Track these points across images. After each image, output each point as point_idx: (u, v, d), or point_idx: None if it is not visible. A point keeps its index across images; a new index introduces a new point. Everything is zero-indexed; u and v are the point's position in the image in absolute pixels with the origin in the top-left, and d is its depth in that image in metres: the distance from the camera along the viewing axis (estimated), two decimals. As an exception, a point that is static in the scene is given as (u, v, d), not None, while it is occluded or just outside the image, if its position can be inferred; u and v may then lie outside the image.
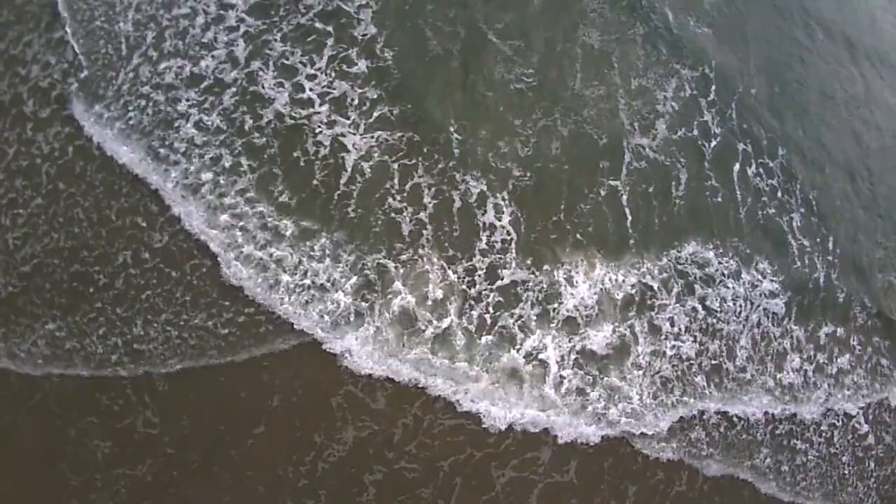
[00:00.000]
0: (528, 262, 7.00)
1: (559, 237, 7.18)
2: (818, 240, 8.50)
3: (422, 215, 6.88)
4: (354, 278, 6.56)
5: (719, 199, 8.11)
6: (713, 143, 8.38)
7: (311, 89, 7.20)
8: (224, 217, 6.61)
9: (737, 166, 8.39)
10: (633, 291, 7.23)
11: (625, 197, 7.60)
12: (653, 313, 7.27)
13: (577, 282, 7.11)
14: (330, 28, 7.57)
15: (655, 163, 7.92)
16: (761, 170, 8.60)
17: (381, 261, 6.67)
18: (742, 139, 8.66)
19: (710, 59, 9.11)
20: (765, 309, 7.86)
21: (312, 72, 7.28)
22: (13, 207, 6.38)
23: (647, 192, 7.74)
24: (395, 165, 7.02)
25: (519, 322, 6.80)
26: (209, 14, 7.44)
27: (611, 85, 8.21)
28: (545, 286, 6.96)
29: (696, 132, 8.36)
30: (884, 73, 11.05)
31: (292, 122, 7.02)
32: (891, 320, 8.68)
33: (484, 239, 6.95)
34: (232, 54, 7.25)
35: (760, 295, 7.88)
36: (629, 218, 7.49)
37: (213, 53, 7.22)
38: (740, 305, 7.73)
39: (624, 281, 7.21)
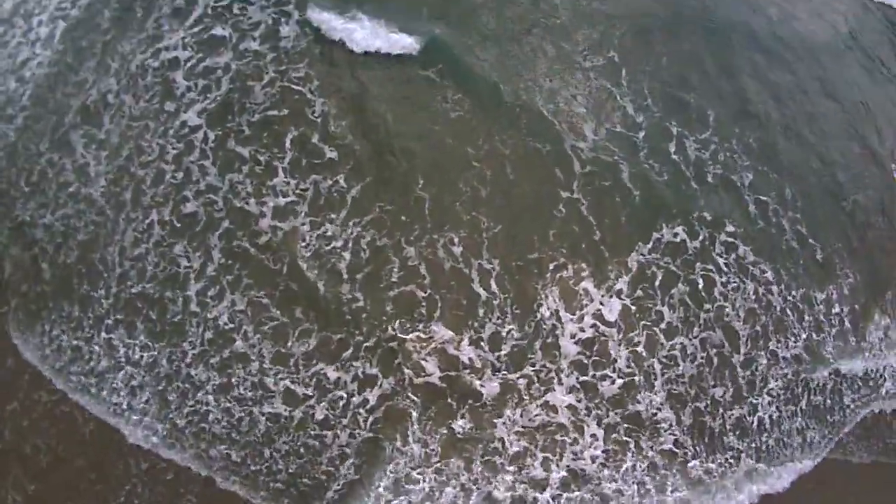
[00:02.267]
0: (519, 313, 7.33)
1: (541, 271, 7.49)
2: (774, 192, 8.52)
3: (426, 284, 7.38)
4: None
5: (666, 178, 8.20)
6: (641, 133, 8.35)
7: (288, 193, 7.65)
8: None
9: (672, 145, 8.39)
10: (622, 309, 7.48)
11: (584, 207, 7.83)
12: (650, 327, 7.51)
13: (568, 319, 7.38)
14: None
15: (598, 161, 8.08)
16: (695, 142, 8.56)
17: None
18: (668, 119, 8.57)
19: (612, 42, 8.99)
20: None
21: (285, 180, 7.73)
22: None
23: (601, 196, 7.97)
24: (386, 241, 7.41)
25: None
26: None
27: (531, 91, 8.39)
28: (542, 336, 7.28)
29: (619, 127, 8.37)
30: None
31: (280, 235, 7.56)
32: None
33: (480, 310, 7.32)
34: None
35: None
36: (594, 224, 7.79)
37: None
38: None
39: (611, 302, 7.44)
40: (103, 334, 7.55)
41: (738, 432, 7.74)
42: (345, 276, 7.37)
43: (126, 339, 7.52)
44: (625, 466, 7.40)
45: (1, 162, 8.40)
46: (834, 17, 10.07)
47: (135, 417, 7.41)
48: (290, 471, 7.10)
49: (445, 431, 7.18)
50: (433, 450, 7.18)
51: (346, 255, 7.43)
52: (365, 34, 8.35)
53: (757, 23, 9.72)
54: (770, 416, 7.94)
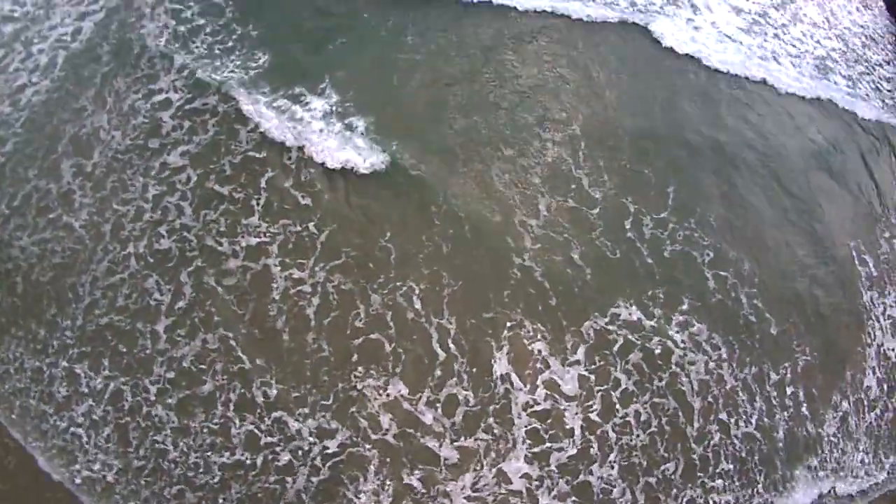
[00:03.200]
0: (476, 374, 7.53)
1: (496, 332, 7.71)
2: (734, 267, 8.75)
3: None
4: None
5: (619, 256, 8.37)
6: (597, 209, 8.58)
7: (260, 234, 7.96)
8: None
9: (628, 223, 8.58)
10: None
11: (538, 274, 7.98)
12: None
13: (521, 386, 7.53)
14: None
15: (547, 238, 8.28)
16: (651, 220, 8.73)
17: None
18: (624, 195, 8.78)
19: (575, 114, 9.23)
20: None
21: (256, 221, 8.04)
22: None
23: (553, 268, 8.14)
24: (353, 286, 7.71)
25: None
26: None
27: (483, 161, 8.64)
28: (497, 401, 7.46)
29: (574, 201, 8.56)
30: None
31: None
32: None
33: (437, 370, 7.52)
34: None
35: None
36: (550, 291, 8.00)
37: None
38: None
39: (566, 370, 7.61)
40: (66, 363, 7.69)
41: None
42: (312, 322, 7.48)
43: (88, 371, 7.65)
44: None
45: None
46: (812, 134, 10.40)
47: (92, 452, 7.51)
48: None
49: (399, 488, 7.23)
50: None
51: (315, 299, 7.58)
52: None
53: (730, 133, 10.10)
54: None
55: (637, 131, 9.33)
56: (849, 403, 8.96)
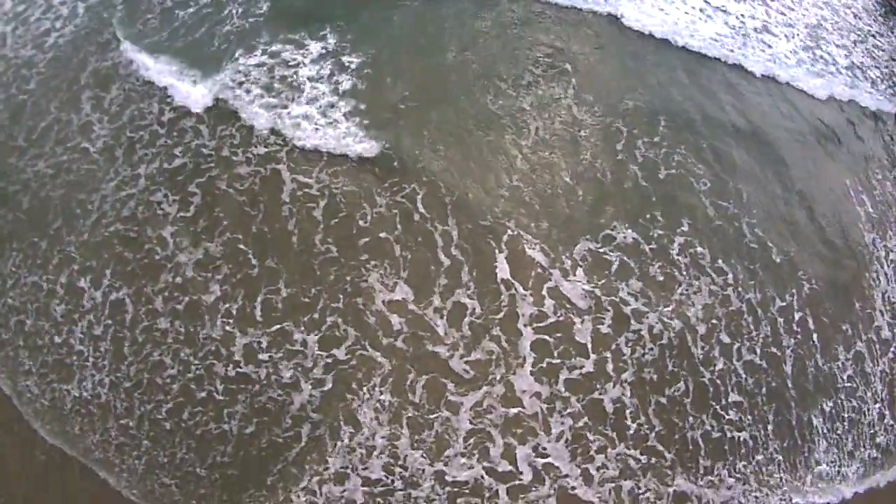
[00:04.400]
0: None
1: (497, 238, 7.78)
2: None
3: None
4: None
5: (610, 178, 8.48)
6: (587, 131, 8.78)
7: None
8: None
9: (620, 145, 8.76)
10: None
11: (529, 191, 8.14)
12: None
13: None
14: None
15: (537, 159, 8.43)
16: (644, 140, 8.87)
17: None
18: (616, 119, 8.99)
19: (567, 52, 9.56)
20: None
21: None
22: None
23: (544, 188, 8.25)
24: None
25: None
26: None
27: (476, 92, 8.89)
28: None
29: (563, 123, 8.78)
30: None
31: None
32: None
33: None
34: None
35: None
36: (540, 211, 8.08)
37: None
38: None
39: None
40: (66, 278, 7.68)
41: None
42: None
43: (90, 285, 7.63)
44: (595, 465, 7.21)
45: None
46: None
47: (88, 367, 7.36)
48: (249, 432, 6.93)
49: (405, 402, 7.05)
50: (386, 418, 7.03)
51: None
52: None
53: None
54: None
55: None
56: (861, 341, 8.83)
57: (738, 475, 7.88)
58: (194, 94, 8.43)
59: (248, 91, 8.41)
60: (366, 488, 6.96)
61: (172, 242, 7.56)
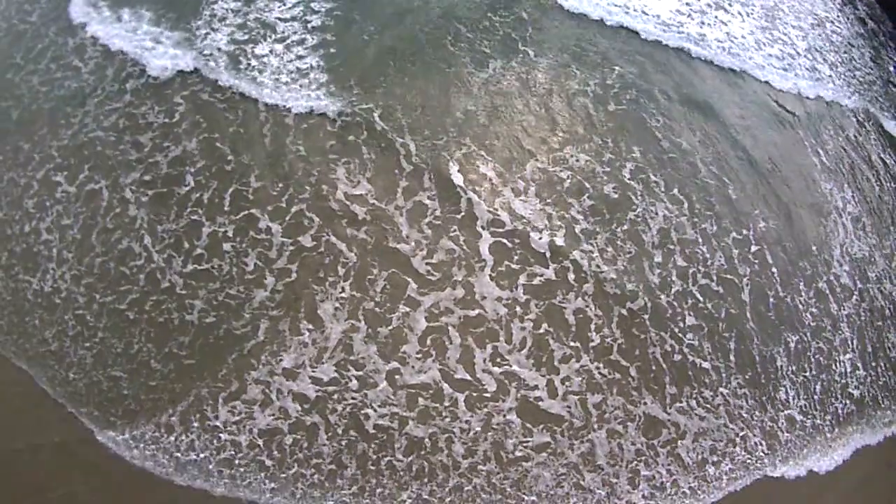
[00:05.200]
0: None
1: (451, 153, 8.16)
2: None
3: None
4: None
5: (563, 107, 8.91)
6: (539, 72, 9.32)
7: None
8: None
9: (574, 83, 9.30)
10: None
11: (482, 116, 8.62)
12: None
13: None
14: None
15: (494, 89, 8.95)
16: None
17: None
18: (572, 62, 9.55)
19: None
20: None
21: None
22: None
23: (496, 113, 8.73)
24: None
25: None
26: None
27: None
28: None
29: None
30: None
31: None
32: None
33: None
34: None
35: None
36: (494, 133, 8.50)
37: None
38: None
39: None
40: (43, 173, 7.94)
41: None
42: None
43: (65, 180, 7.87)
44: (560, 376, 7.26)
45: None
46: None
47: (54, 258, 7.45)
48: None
49: (362, 295, 7.16)
50: (345, 314, 7.11)
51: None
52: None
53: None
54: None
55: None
56: (822, 281, 9.04)
57: (707, 406, 7.86)
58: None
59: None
60: (318, 386, 6.92)
61: (151, 145, 7.88)
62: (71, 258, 7.46)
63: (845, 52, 12.53)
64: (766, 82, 10.94)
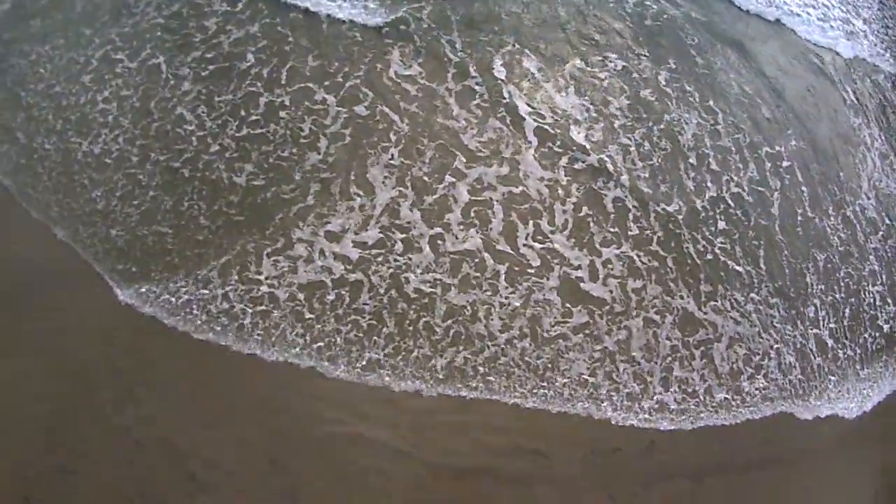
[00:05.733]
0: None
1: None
2: None
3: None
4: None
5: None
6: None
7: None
8: None
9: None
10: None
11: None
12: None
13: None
14: None
15: None
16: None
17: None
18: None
19: None
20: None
21: None
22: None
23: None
24: None
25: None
26: None
27: None
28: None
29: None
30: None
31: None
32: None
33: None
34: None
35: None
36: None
37: None
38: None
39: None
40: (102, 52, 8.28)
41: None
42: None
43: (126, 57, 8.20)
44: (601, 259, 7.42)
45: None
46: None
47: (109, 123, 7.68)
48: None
49: (410, 163, 7.36)
50: (393, 180, 7.29)
51: None
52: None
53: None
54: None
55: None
56: (849, 207, 9.25)
57: (740, 310, 7.90)
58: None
59: None
60: (363, 249, 7.00)
61: (214, 28, 8.26)
62: (126, 123, 7.68)
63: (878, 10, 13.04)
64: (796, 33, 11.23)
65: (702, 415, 7.36)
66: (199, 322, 6.64)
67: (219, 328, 6.61)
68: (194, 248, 7.01)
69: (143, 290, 6.79)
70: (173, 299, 6.75)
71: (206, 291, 6.77)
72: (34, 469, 5.68)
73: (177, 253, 7.00)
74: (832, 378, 8.27)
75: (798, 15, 11.30)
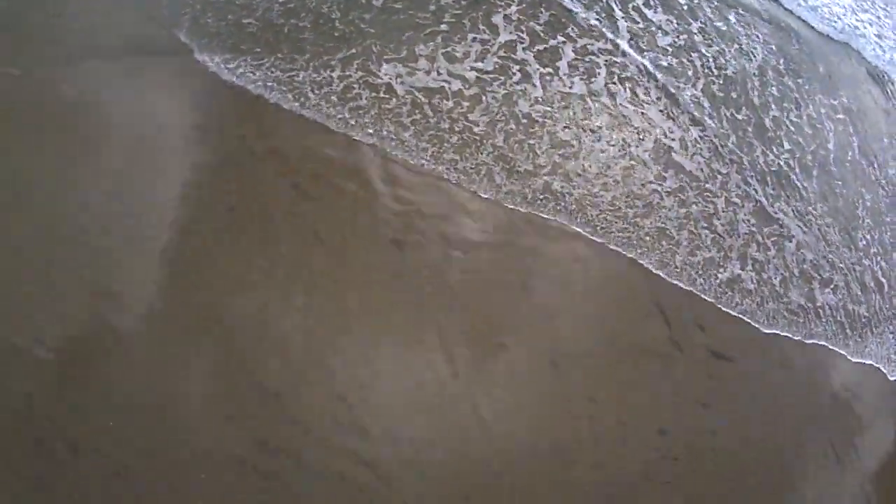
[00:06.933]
0: None
1: None
2: None
3: None
4: None
5: None
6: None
7: None
8: None
9: None
10: None
11: None
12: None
13: None
14: None
15: None
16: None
17: None
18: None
19: None
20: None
21: None
22: None
23: None
24: None
25: None
26: None
27: None
28: None
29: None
30: None
31: None
32: None
33: None
34: None
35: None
36: None
37: None
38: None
39: None
40: None
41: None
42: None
43: None
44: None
45: None
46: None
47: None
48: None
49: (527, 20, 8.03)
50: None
51: None
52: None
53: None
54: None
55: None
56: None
57: (802, 219, 8.44)
58: None
59: None
60: (480, 73, 7.43)
61: None
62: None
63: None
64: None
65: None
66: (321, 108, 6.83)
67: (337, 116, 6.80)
68: (326, 41, 7.30)
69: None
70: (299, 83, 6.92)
71: (331, 77, 7.01)
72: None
73: (310, 43, 7.26)
74: (890, 326, 8.67)
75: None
